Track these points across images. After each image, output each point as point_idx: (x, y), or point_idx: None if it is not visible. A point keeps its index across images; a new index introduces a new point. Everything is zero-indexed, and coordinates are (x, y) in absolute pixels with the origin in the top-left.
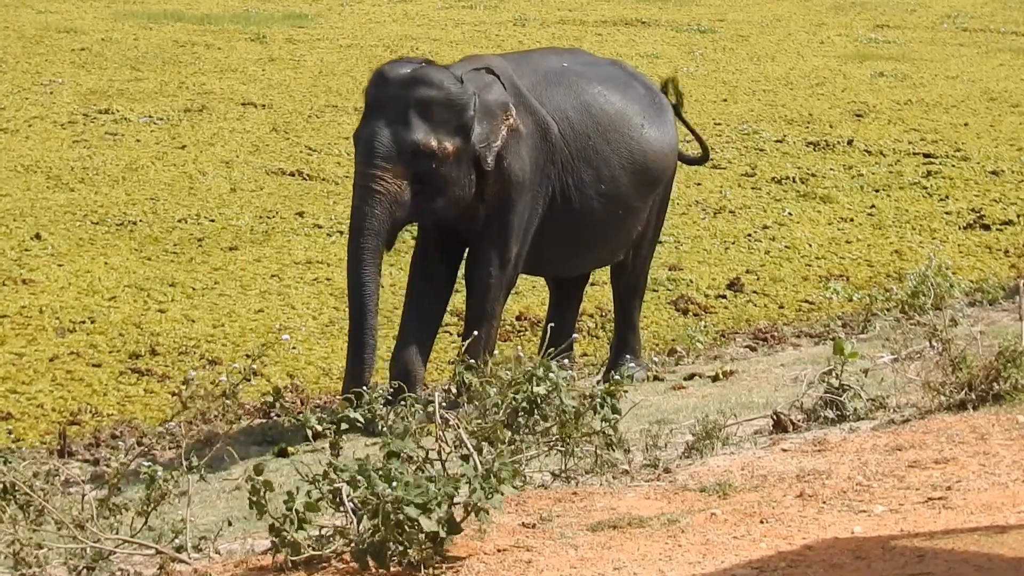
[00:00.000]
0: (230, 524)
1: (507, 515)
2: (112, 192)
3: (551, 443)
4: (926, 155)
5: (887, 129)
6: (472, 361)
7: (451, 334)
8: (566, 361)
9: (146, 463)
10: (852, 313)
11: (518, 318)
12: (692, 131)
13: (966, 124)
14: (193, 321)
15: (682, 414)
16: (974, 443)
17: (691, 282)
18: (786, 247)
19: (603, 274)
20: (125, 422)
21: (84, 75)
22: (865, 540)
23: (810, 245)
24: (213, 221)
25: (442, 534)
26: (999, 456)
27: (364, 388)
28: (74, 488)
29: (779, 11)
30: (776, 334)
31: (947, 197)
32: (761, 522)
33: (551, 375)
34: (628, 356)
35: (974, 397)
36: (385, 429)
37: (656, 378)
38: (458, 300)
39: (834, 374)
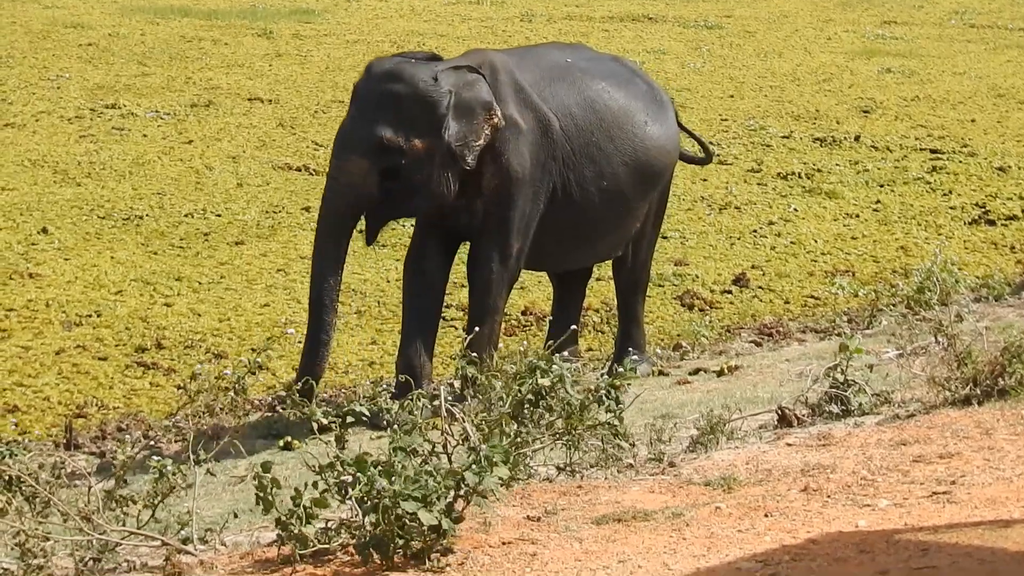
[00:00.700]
0: (236, 516)
1: (512, 508)
2: (119, 187)
3: (556, 435)
4: (933, 151)
5: (894, 125)
6: (476, 356)
7: (456, 328)
8: (569, 353)
9: (153, 456)
10: (857, 309)
11: (523, 313)
12: (693, 136)
13: (973, 120)
14: (199, 315)
15: (687, 408)
16: (979, 438)
17: (696, 277)
18: (792, 243)
19: (608, 269)
20: (131, 415)
21: (91, 70)
22: (869, 534)
23: (816, 241)
24: (219, 216)
25: (445, 525)
26: (1003, 451)
27: (314, 382)
28: (80, 480)
29: (786, 7)
30: (781, 329)
31: (951, 192)
32: (765, 516)
33: (555, 367)
34: (632, 351)
35: (979, 392)
36: (391, 423)
37: (661, 373)
38: (462, 295)
39: (839, 369)
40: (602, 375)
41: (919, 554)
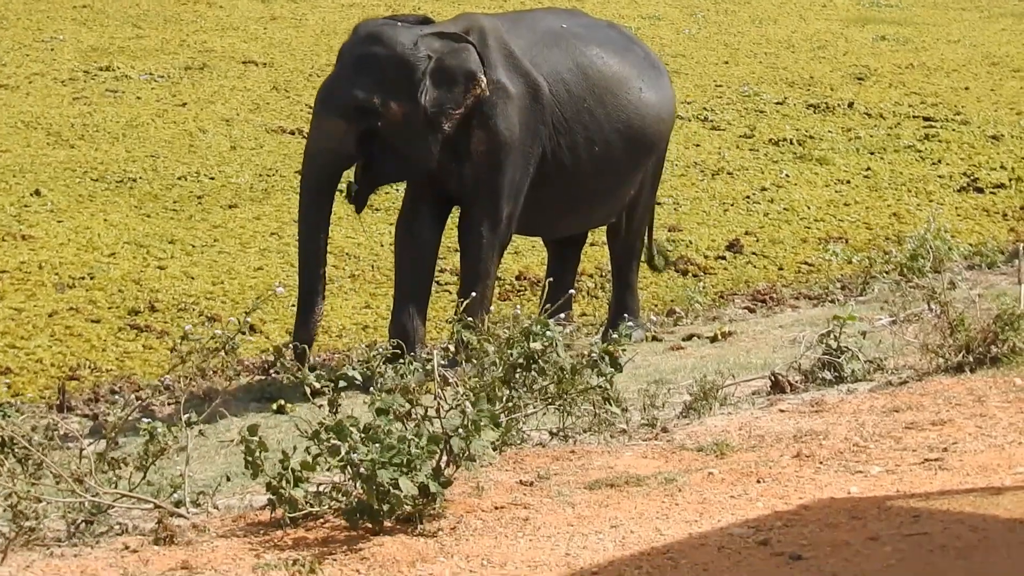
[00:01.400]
0: (228, 479)
1: (504, 473)
2: (112, 149)
3: (548, 400)
4: (926, 119)
5: (888, 93)
6: (469, 319)
7: (450, 293)
8: (563, 318)
9: (145, 419)
10: (851, 275)
11: (518, 277)
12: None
13: (967, 88)
14: (192, 278)
15: (680, 374)
16: (971, 405)
17: (690, 243)
18: (784, 209)
19: (603, 234)
20: (124, 377)
21: (85, 32)
22: (861, 500)
23: (808, 207)
24: (213, 179)
25: (433, 488)
26: (996, 418)
27: (308, 342)
28: (73, 443)
29: None
30: (775, 296)
31: (940, 161)
32: (758, 482)
33: (547, 332)
34: (626, 316)
35: (972, 360)
36: (377, 386)
37: (655, 338)
38: (455, 259)
39: (832, 336)
40: (595, 341)
41: (911, 520)
